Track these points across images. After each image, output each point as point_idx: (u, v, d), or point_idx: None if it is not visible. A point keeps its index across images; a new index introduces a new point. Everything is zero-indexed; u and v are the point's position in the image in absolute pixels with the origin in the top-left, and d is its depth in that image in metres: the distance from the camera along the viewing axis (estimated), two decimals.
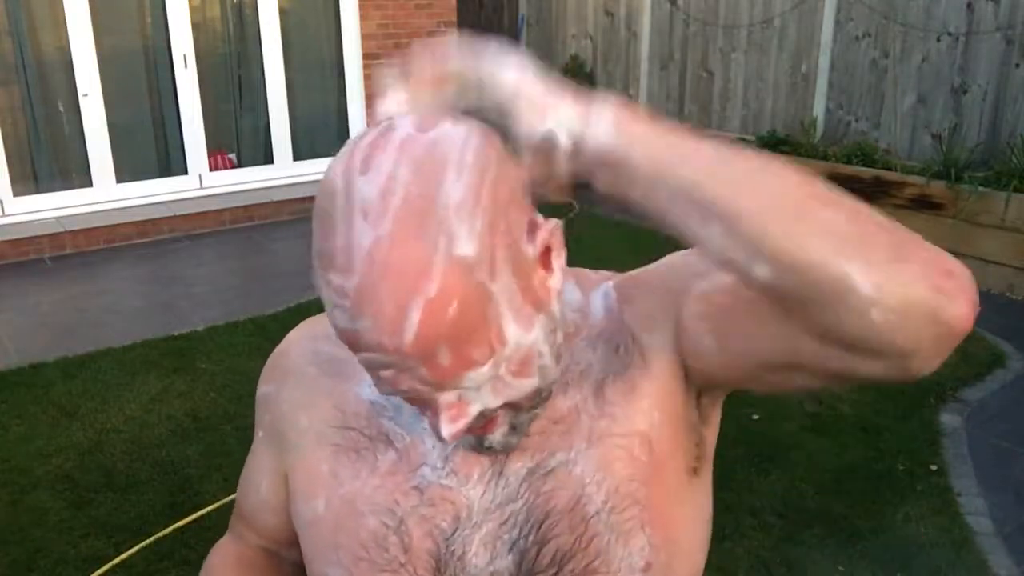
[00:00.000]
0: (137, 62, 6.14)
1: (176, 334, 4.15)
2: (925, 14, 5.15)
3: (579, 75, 7.49)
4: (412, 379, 0.61)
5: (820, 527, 2.64)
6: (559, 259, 0.68)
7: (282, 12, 6.53)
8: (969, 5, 4.92)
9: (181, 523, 2.70)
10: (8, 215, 5.70)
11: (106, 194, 6.02)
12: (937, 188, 4.82)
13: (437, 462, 0.76)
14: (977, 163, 4.83)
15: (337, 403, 0.82)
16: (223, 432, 3.25)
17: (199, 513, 2.75)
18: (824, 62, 5.76)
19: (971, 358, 3.78)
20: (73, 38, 5.73)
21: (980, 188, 4.62)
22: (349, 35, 6.77)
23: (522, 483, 0.74)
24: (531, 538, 0.73)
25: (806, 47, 5.87)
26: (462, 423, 0.65)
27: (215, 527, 2.68)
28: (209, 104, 6.37)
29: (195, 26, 6.20)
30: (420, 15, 6.97)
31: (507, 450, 0.73)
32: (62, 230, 5.56)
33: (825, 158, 5.49)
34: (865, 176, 5.19)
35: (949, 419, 3.29)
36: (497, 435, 0.71)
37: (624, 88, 7.27)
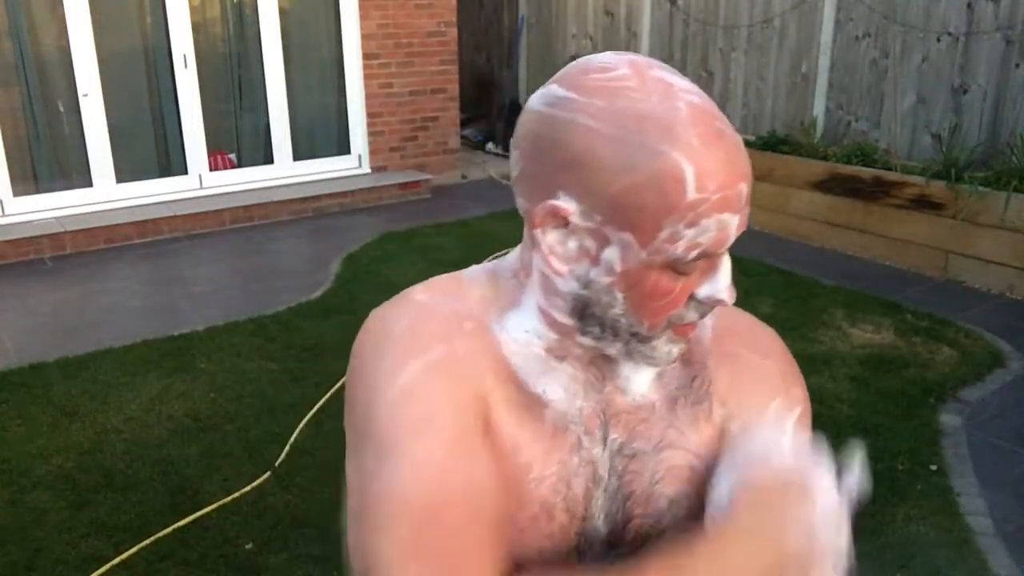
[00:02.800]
0: (137, 62, 6.14)
1: (176, 334, 4.15)
2: (925, 14, 5.15)
3: None
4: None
5: None
6: None
7: (282, 12, 6.53)
8: (969, 5, 4.92)
9: (181, 523, 2.70)
10: (8, 215, 5.71)
11: (106, 194, 6.03)
12: (937, 188, 4.82)
13: (576, 418, 0.79)
14: (977, 163, 4.83)
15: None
16: (223, 432, 3.25)
17: (199, 513, 2.75)
18: (824, 62, 5.76)
19: (971, 358, 3.78)
20: (73, 38, 5.74)
21: (980, 188, 4.62)
22: (349, 35, 6.77)
23: (614, 456, 0.79)
24: (620, 512, 0.80)
25: (806, 47, 5.87)
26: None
27: (215, 527, 2.69)
28: (209, 104, 6.37)
29: (195, 26, 6.20)
30: (420, 15, 6.97)
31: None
32: (62, 230, 5.56)
33: (825, 158, 5.49)
34: (865, 176, 5.19)
35: (949, 419, 3.29)
36: (694, 329, 0.78)
37: None
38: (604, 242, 0.72)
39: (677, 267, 0.71)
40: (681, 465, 0.81)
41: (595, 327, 0.76)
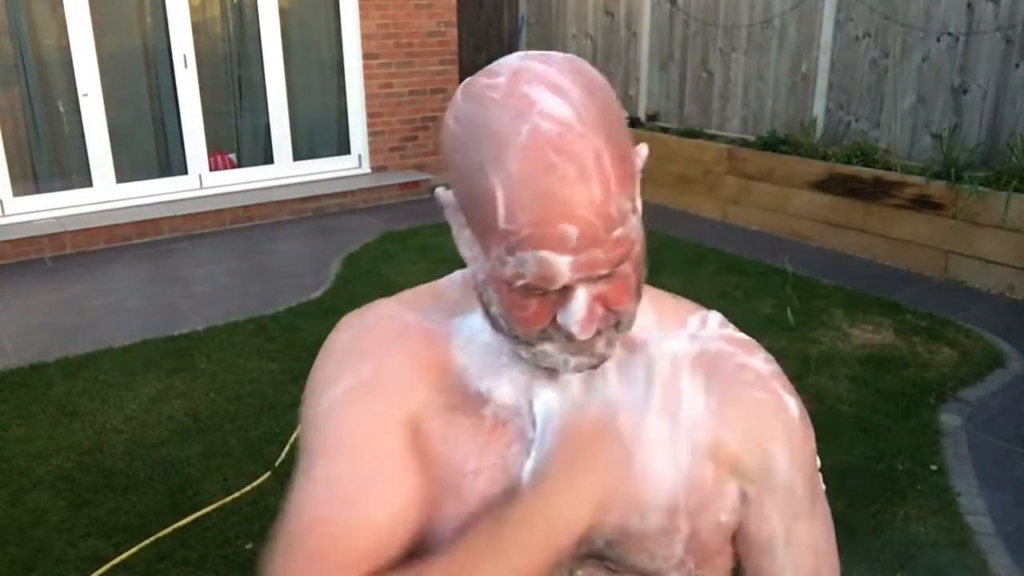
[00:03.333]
0: (137, 62, 6.15)
1: (176, 334, 4.15)
2: (925, 14, 5.15)
3: None
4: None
5: None
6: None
7: (282, 12, 6.53)
8: (969, 5, 4.92)
9: (181, 523, 2.70)
10: (8, 215, 5.71)
11: (106, 194, 6.03)
12: (937, 188, 4.82)
13: (521, 411, 0.81)
14: (977, 163, 4.83)
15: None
16: (223, 432, 3.25)
17: (199, 513, 2.75)
18: (824, 62, 5.75)
19: (971, 358, 3.78)
20: (73, 38, 5.74)
21: (980, 188, 4.62)
22: (349, 35, 6.77)
23: None
24: None
25: (806, 47, 5.87)
26: (593, 318, 0.71)
27: (215, 527, 2.69)
28: (209, 104, 6.37)
29: (195, 26, 6.20)
30: (420, 15, 6.97)
31: (600, 363, 0.78)
32: (62, 230, 5.56)
33: (825, 158, 5.49)
34: (865, 176, 5.19)
35: (949, 419, 3.29)
36: (601, 345, 0.75)
37: (624, 88, 7.28)
38: (472, 244, 0.74)
39: (518, 290, 0.70)
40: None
41: (492, 323, 0.78)
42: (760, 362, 0.85)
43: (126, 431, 3.27)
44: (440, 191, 0.75)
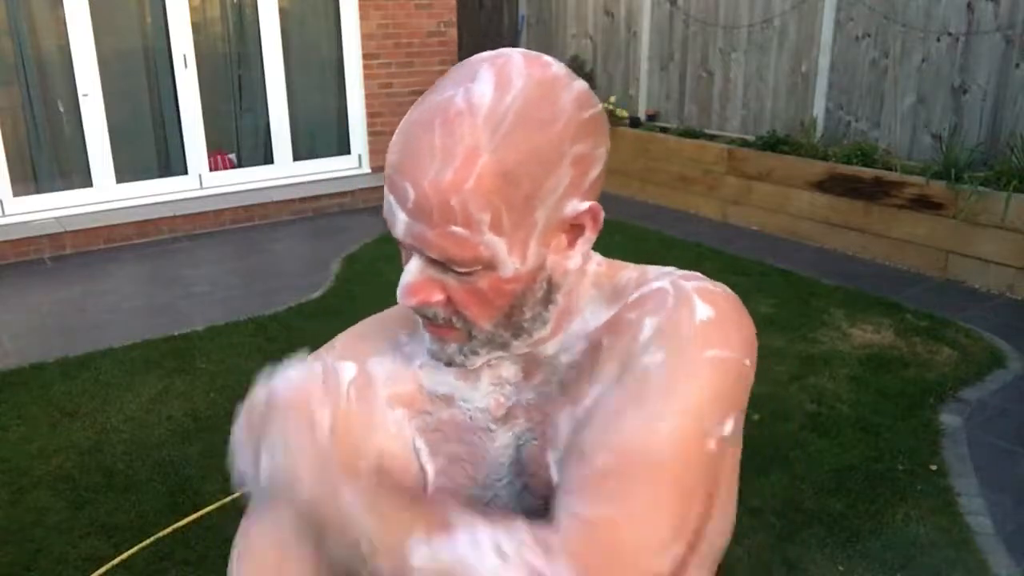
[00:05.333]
0: (137, 62, 6.15)
1: (176, 334, 4.15)
2: (925, 14, 5.15)
3: (579, 75, 7.47)
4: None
5: (820, 527, 2.64)
6: (584, 245, 0.76)
7: (282, 12, 6.53)
8: (969, 5, 4.92)
9: (181, 523, 2.70)
10: (8, 215, 5.71)
11: (106, 194, 6.03)
12: (937, 188, 4.82)
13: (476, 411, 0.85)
14: (977, 163, 4.83)
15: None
16: (223, 432, 3.23)
17: (199, 513, 2.75)
18: (824, 62, 5.75)
19: (971, 358, 3.78)
20: (73, 38, 5.74)
21: (980, 188, 4.62)
22: (349, 35, 6.77)
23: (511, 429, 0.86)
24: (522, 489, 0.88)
25: (806, 47, 5.87)
26: (421, 290, 0.73)
27: (215, 527, 2.69)
28: (209, 104, 6.37)
29: (195, 26, 6.20)
30: (420, 15, 6.97)
31: (461, 366, 0.80)
32: (62, 230, 5.56)
33: (825, 158, 5.49)
34: (865, 176, 5.19)
35: (949, 419, 3.29)
36: (452, 348, 0.78)
37: (624, 88, 7.28)
38: None
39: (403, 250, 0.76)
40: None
41: None
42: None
43: (126, 431, 3.27)
44: None
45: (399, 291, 0.73)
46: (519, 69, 0.70)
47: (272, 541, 0.88)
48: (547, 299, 0.77)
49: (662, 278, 0.79)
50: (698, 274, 0.80)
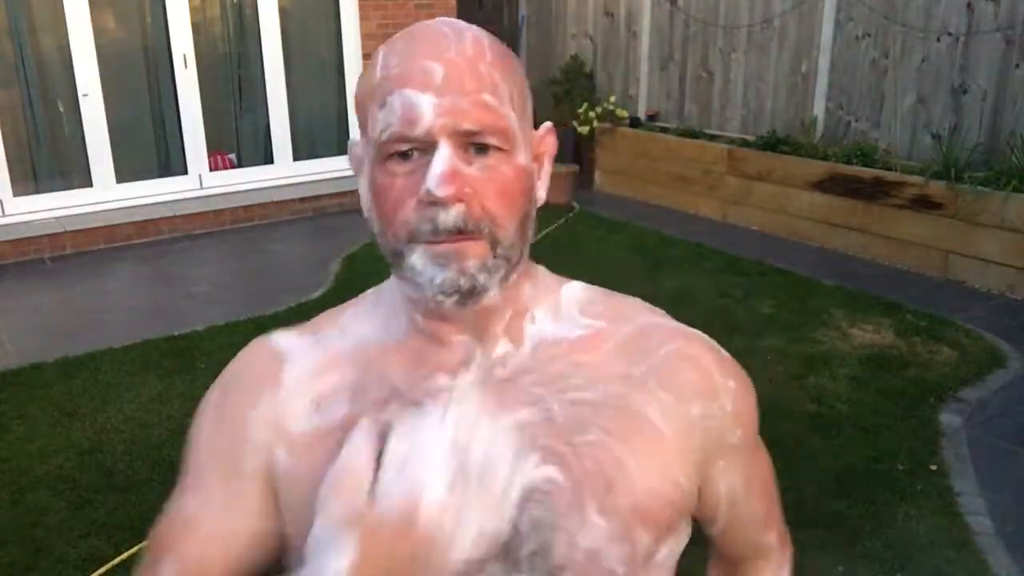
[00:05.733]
0: (137, 62, 6.14)
1: (176, 334, 4.15)
2: (925, 14, 5.15)
3: (579, 75, 7.48)
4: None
5: (820, 527, 2.64)
6: (545, 177, 0.78)
7: (282, 12, 6.53)
8: (969, 5, 4.92)
9: None
10: (8, 215, 5.70)
11: (106, 194, 6.02)
12: (937, 188, 4.82)
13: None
14: (977, 163, 4.83)
15: None
16: None
17: None
18: (824, 62, 5.75)
19: (971, 358, 3.78)
20: (73, 38, 5.74)
21: (980, 188, 4.62)
22: (349, 35, 6.77)
23: None
24: None
25: (806, 47, 5.87)
26: (456, 178, 0.68)
27: None
28: (209, 104, 6.37)
29: (195, 26, 6.20)
30: (420, 15, 6.96)
31: (476, 296, 0.72)
32: (62, 230, 5.56)
33: (825, 158, 5.49)
34: (865, 176, 5.19)
35: (949, 419, 3.29)
36: (473, 263, 0.70)
37: (624, 88, 7.28)
38: (365, 160, 0.75)
39: (391, 158, 0.70)
40: None
41: (378, 239, 0.76)
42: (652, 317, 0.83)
43: (126, 431, 3.27)
44: (352, 139, 0.79)
45: (431, 182, 0.67)
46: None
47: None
48: (529, 224, 0.75)
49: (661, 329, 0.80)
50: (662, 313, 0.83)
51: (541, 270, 0.82)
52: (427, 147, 0.68)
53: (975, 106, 4.99)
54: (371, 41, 6.76)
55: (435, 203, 0.68)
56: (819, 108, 5.83)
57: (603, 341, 0.77)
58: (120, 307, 4.64)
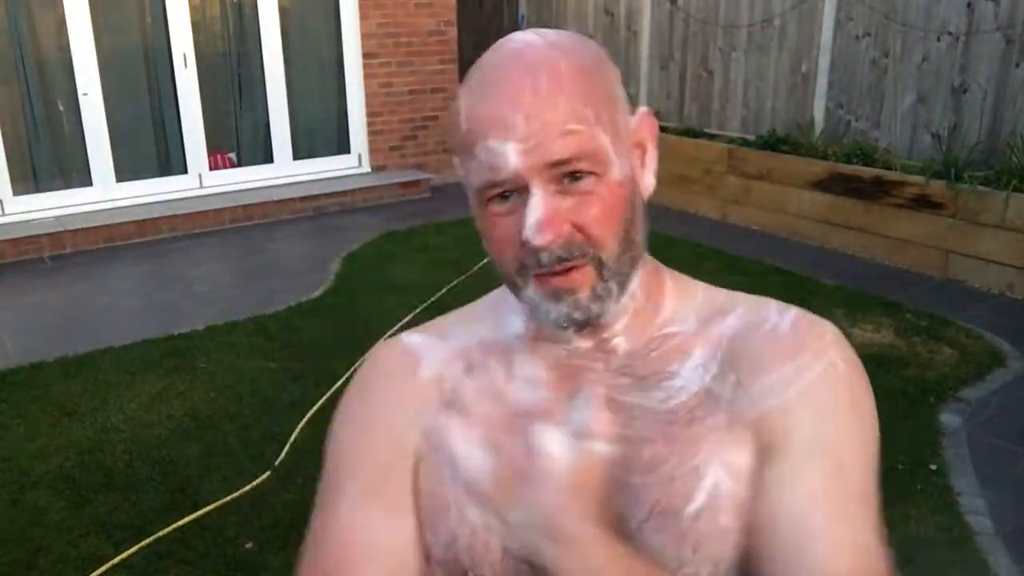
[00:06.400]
0: (137, 62, 6.14)
1: (176, 334, 4.15)
2: (925, 14, 5.15)
3: None
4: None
5: None
6: (652, 163, 0.82)
7: (282, 12, 6.53)
8: (969, 5, 4.92)
9: (181, 523, 2.70)
10: (8, 215, 5.71)
11: (106, 193, 6.03)
12: (937, 188, 4.82)
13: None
14: (977, 163, 4.83)
15: None
16: (223, 432, 3.25)
17: (199, 513, 2.75)
18: (824, 62, 5.75)
19: (971, 358, 3.78)
20: (73, 38, 5.74)
21: (980, 188, 4.61)
22: (349, 35, 6.77)
23: None
24: None
25: (806, 47, 5.87)
26: (554, 221, 0.70)
27: (214, 527, 2.69)
28: (209, 104, 6.37)
29: (195, 26, 6.20)
30: (420, 14, 6.97)
31: (593, 323, 0.76)
32: (62, 229, 5.56)
33: (825, 158, 5.49)
34: (865, 176, 5.19)
35: (949, 419, 3.29)
36: (584, 294, 0.73)
37: (624, 87, 7.26)
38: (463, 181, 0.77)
39: (491, 201, 0.73)
40: None
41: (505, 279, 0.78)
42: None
43: (126, 431, 3.27)
44: (455, 160, 0.79)
45: (529, 231, 0.70)
46: (535, 30, 0.77)
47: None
48: (637, 226, 0.78)
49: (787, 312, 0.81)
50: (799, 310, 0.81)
51: (664, 270, 0.86)
52: (521, 190, 0.71)
53: (975, 106, 4.99)
54: (371, 40, 6.76)
55: (527, 245, 0.71)
56: (819, 107, 5.83)
57: (711, 340, 0.80)
58: (120, 306, 4.63)
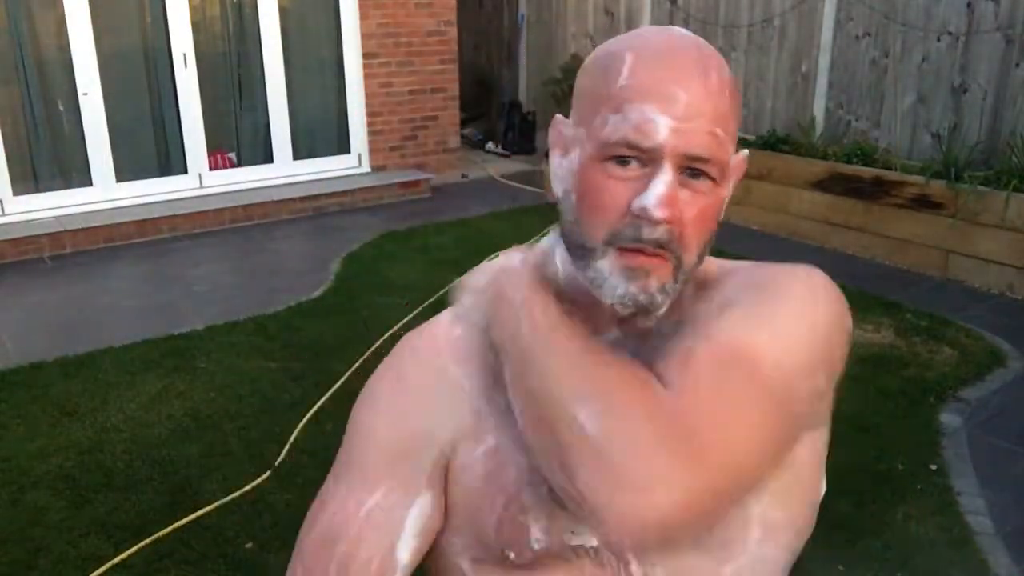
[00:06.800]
0: (137, 61, 6.14)
1: (176, 334, 4.15)
2: (925, 14, 5.15)
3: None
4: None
5: (820, 526, 2.63)
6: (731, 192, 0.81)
7: (282, 11, 6.53)
8: (969, 5, 4.92)
9: (181, 523, 2.70)
10: (8, 215, 5.70)
11: (106, 193, 6.02)
12: (937, 188, 4.82)
13: None
14: (977, 163, 4.83)
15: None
16: (223, 432, 3.25)
17: (199, 513, 2.75)
18: (824, 62, 5.75)
19: (971, 358, 3.78)
20: (73, 38, 5.73)
21: (980, 188, 4.61)
22: (349, 35, 6.76)
23: None
24: None
25: (806, 47, 5.87)
26: (675, 201, 0.72)
27: (214, 527, 2.69)
28: (209, 104, 6.36)
29: (195, 26, 6.20)
30: (420, 14, 6.97)
31: (649, 313, 0.79)
32: (62, 229, 5.56)
33: (825, 157, 5.49)
34: (865, 176, 5.19)
35: (949, 419, 3.29)
36: (656, 283, 0.75)
37: None
38: (575, 146, 0.77)
39: (610, 160, 0.73)
40: None
41: (567, 249, 0.80)
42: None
43: (126, 431, 3.27)
44: (559, 116, 0.81)
45: (651, 200, 0.71)
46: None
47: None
48: (712, 242, 0.80)
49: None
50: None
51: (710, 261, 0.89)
52: (650, 162, 0.72)
53: (975, 106, 4.99)
54: (371, 40, 6.76)
55: (646, 219, 0.71)
56: (819, 107, 5.83)
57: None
58: (120, 306, 4.63)
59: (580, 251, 0.77)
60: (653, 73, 0.72)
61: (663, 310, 0.79)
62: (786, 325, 0.78)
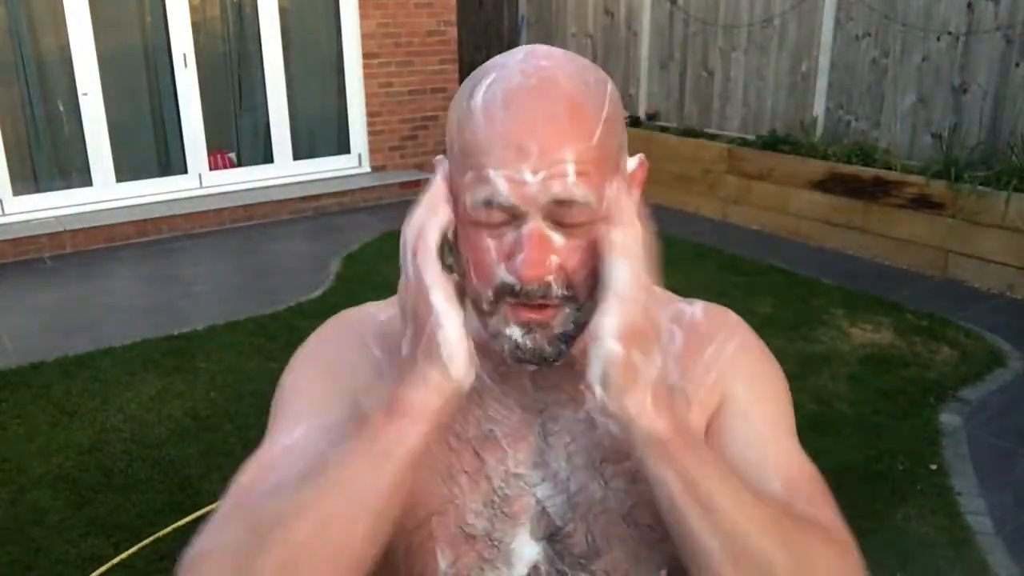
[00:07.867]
0: (137, 61, 6.14)
1: (176, 334, 4.15)
2: (925, 14, 5.15)
3: None
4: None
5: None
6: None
7: (282, 12, 6.53)
8: (969, 5, 4.92)
9: (181, 523, 2.70)
10: (8, 215, 5.70)
11: (106, 193, 6.02)
12: (937, 188, 4.82)
13: None
14: (977, 163, 4.83)
15: None
16: (223, 432, 3.25)
17: (199, 513, 2.75)
18: (824, 62, 5.75)
19: (971, 358, 3.78)
20: (73, 38, 5.73)
21: (980, 188, 4.62)
22: (349, 35, 6.77)
23: None
24: None
25: (806, 47, 5.87)
26: (543, 262, 0.70)
27: None
28: (209, 104, 6.36)
29: (195, 26, 6.20)
30: (420, 14, 6.97)
31: (553, 363, 0.75)
32: (62, 229, 5.56)
33: (825, 158, 5.49)
34: (865, 176, 5.19)
35: (949, 419, 3.29)
36: (546, 335, 0.73)
37: (624, 87, 7.27)
38: (456, 197, 0.74)
39: (480, 221, 0.70)
40: None
41: (468, 295, 0.76)
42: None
43: (126, 431, 3.27)
44: (438, 158, 0.77)
45: (520, 266, 0.69)
46: (549, 49, 0.75)
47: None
48: None
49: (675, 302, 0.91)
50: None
51: None
52: (516, 217, 0.70)
53: (975, 106, 4.99)
54: (371, 40, 6.76)
55: (512, 275, 0.71)
56: (819, 107, 5.83)
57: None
58: (120, 306, 4.63)
59: (475, 304, 0.75)
60: (504, 125, 0.68)
61: (562, 359, 0.75)
62: (787, 409, 0.89)
